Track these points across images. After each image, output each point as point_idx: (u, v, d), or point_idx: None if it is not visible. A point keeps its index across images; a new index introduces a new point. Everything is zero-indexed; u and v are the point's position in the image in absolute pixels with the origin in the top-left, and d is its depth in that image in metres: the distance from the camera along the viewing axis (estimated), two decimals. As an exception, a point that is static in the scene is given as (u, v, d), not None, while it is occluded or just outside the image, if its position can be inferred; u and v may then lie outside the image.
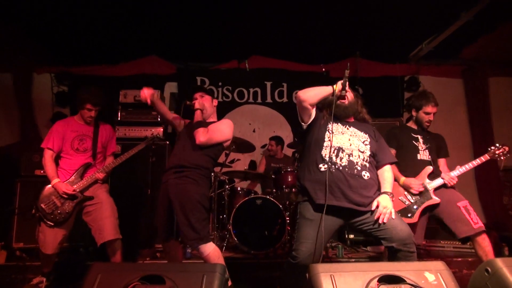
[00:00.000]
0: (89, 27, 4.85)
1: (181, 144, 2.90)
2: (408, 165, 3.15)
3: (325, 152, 2.41)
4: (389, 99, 5.74)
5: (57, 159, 3.28)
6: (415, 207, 3.04)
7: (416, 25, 4.84)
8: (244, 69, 6.01)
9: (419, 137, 3.24)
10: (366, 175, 2.37)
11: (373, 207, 2.33)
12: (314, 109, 2.53)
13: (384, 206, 2.31)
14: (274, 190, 4.47)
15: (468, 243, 3.00)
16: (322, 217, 2.27)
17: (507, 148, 3.12)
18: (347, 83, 2.44)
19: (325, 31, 5.06)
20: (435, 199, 3.02)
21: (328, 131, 2.47)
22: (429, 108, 3.19)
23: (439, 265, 1.88)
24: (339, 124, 2.52)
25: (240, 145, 4.62)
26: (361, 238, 4.53)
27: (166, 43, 5.48)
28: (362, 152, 2.44)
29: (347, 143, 2.44)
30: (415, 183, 3.04)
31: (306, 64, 5.96)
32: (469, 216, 2.92)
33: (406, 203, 3.06)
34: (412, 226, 2.96)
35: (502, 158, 3.12)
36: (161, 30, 5.07)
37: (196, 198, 2.62)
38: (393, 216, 2.30)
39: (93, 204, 3.17)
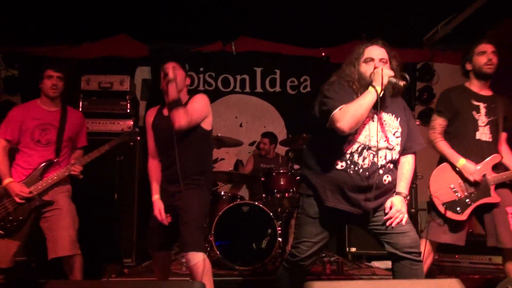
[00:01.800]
0: (46, -1, 4.78)
1: (176, 149, 2.80)
2: (461, 145, 2.92)
3: (347, 147, 2.31)
4: (399, 89, 5.78)
5: (12, 153, 3.18)
6: (468, 201, 2.83)
7: (431, 3, 4.88)
8: (230, 52, 5.97)
9: (481, 105, 2.94)
10: (387, 179, 2.36)
11: (387, 209, 2.35)
12: None
13: (398, 210, 2.33)
14: (263, 195, 4.47)
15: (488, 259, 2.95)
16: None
17: None
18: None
19: (326, 9, 5.07)
20: (495, 198, 2.81)
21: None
22: (482, 46, 2.93)
23: (454, 283, 1.90)
24: (373, 110, 2.30)
25: (225, 141, 4.63)
26: (364, 252, 4.56)
27: (137, 20, 5.41)
28: (391, 149, 2.35)
29: (376, 136, 2.28)
30: (477, 172, 2.82)
31: (303, 47, 5.97)
32: None
33: (458, 195, 2.86)
34: (458, 224, 2.84)
35: None
36: (132, 5, 5.00)
37: (197, 204, 2.72)
38: (404, 222, 2.33)
39: (51, 210, 3.10)
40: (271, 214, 4.11)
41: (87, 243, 3.40)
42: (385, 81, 2.19)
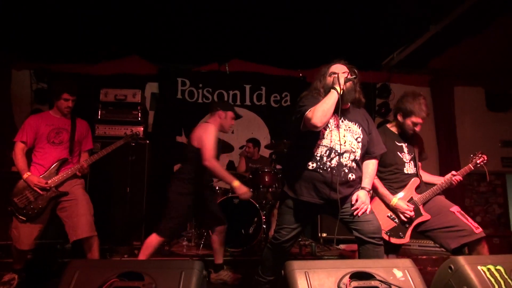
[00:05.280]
0: (72, 24, 4.72)
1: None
2: (393, 181, 2.84)
3: (317, 151, 2.34)
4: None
5: (31, 154, 3.15)
6: (406, 225, 2.74)
7: (388, 35, 4.96)
8: (224, 72, 5.98)
9: (403, 145, 2.89)
10: (351, 177, 2.37)
11: (353, 201, 2.38)
12: None
13: (363, 202, 2.37)
14: (251, 189, 4.45)
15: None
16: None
17: (485, 157, 2.85)
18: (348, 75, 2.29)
19: (303, 38, 5.12)
20: (426, 215, 2.74)
21: (324, 128, 2.33)
22: (419, 119, 2.80)
23: (407, 262, 1.92)
24: (334, 115, 2.32)
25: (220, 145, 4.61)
26: (333, 237, 4.59)
27: (148, 44, 5.40)
28: (353, 152, 2.37)
29: (341, 140, 2.34)
30: (408, 208, 2.71)
31: (284, 68, 6.00)
32: (467, 220, 2.61)
33: (396, 221, 2.76)
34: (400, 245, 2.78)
35: (484, 167, 2.84)
36: (144, 31, 4.99)
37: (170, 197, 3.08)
38: (368, 212, 2.37)
39: (68, 200, 3.06)
40: (257, 205, 4.11)
41: (103, 228, 3.37)
42: (342, 81, 2.25)
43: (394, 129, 2.96)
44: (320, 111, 2.18)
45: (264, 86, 6.10)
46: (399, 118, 2.87)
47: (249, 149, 5.35)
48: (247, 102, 6.07)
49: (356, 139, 2.41)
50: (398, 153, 2.86)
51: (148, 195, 4.49)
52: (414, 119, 2.79)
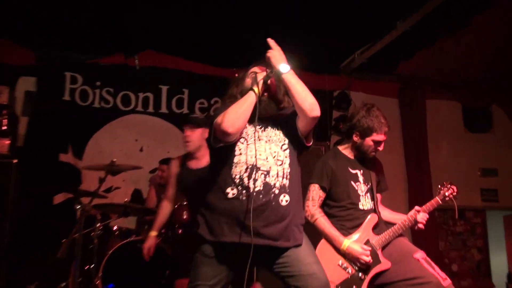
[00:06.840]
0: None
1: None
2: (346, 219, 2.91)
3: (235, 171, 2.35)
4: (315, 118, 5.94)
5: None
6: (361, 275, 2.79)
7: (349, 31, 5.14)
8: (133, 67, 5.85)
9: (358, 173, 3.00)
10: (284, 199, 2.36)
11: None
12: None
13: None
14: (163, 230, 4.30)
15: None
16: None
17: (455, 189, 2.99)
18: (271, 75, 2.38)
19: (241, 28, 5.15)
20: (386, 263, 2.81)
21: (240, 141, 2.40)
22: (381, 136, 2.90)
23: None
24: (252, 125, 2.42)
25: (120, 167, 4.41)
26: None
27: (24, 24, 5.16)
28: (281, 164, 2.39)
29: (263, 155, 2.37)
30: (364, 254, 2.76)
31: (215, 66, 6.03)
32: (434, 269, 2.70)
33: (349, 271, 2.80)
34: None
35: (454, 201, 2.98)
36: (18, 5, 4.74)
37: None
38: (313, 259, 2.35)
39: None
40: (170, 252, 4.00)
41: None
42: (259, 79, 2.38)
43: (347, 152, 3.06)
44: (233, 113, 2.28)
45: (187, 89, 6.10)
46: (356, 139, 2.98)
47: (163, 173, 5.18)
48: (163, 109, 6.02)
49: (281, 147, 2.44)
50: (352, 182, 2.95)
51: (13, 233, 4.36)
52: (376, 136, 2.90)
